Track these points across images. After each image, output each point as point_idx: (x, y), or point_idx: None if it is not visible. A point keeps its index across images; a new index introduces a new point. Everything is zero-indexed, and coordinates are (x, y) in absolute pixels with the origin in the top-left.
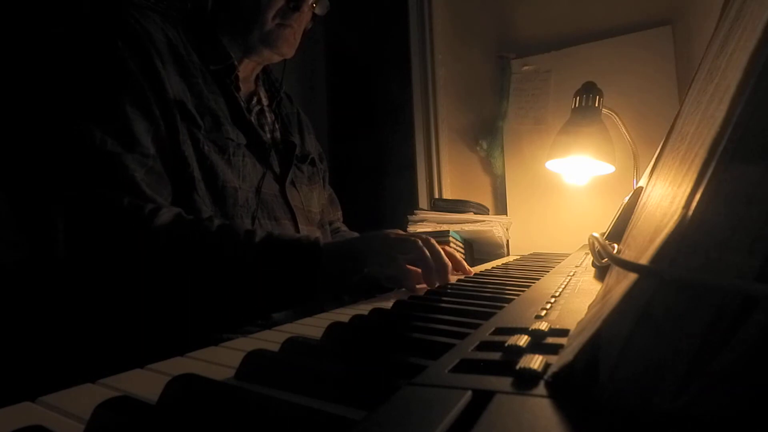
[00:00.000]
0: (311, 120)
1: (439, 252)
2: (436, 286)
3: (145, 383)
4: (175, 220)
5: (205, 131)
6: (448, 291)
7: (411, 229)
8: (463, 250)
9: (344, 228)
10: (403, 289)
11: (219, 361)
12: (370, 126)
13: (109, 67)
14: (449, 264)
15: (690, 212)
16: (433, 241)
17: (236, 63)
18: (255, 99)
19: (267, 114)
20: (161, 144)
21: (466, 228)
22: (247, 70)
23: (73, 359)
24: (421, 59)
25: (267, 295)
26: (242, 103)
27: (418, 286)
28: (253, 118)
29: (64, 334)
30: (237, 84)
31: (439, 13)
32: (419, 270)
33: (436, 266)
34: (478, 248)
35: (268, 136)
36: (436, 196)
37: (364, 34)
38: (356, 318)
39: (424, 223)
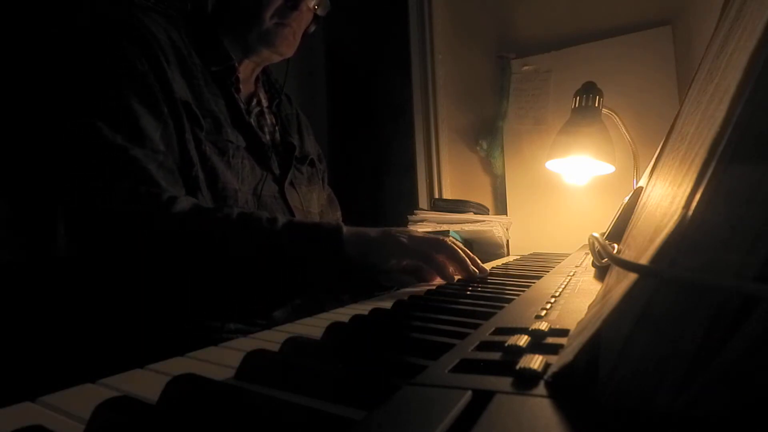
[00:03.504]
0: (311, 120)
1: (464, 249)
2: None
3: (145, 383)
4: (194, 207)
5: (206, 133)
6: (448, 291)
7: (411, 229)
8: None
9: None
10: (419, 283)
11: (219, 361)
12: (370, 126)
13: (116, 66)
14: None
15: (690, 212)
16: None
17: (236, 64)
18: (255, 100)
19: (267, 115)
20: (169, 142)
21: (466, 228)
22: (247, 71)
23: (73, 359)
24: (421, 59)
25: (290, 281)
26: (242, 105)
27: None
28: (252, 120)
29: (64, 334)
30: (237, 85)
31: (439, 13)
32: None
33: (467, 258)
34: (478, 248)
35: (268, 137)
36: (436, 196)
37: (364, 34)
38: (356, 318)
39: (424, 223)
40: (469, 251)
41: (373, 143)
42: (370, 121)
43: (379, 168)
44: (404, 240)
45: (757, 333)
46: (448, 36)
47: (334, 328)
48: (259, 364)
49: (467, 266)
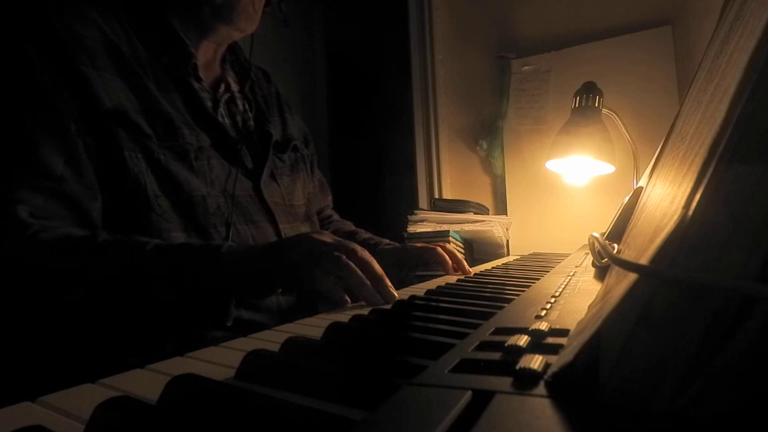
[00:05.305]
0: (311, 121)
1: (370, 262)
2: (376, 301)
3: (145, 383)
4: (60, 240)
5: (158, 139)
6: (448, 291)
7: (411, 229)
8: (463, 250)
9: (336, 216)
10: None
11: (219, 361)
12: (370, 126)
13: (15, 79)
14: (383, 275)
15: (690, 212)
16: (360, 249)
17: (192, 50)
18: (223, 86)
19: (238, 101)
20: (78, 166)
21: (466, 228)
22: (209, 54)
23: (73, 359)
24: (421, 59)
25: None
26: (205, 94)
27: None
28: (221, 109)
29: (64, 334)
30: (197, 74)
31: (439, 13)
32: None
33: (370, 277)
34: (478, 248)
35: (240, 125)
36: (436, 196)
37: (364, 34)
38: (356, 318)
39: (424, 223)
40: (457, 255)
41: (373, 143)
42: (370, 121)
43: (379, 168)
44: (298, 261)
45: (757, 333)
46: (448, 36)
47: (334, 328)
48: (259, 364)
49: (360, 289)
